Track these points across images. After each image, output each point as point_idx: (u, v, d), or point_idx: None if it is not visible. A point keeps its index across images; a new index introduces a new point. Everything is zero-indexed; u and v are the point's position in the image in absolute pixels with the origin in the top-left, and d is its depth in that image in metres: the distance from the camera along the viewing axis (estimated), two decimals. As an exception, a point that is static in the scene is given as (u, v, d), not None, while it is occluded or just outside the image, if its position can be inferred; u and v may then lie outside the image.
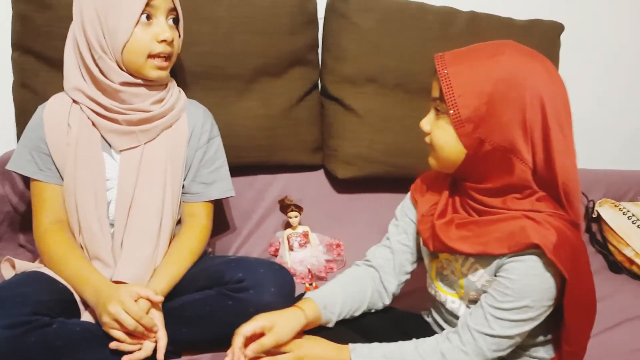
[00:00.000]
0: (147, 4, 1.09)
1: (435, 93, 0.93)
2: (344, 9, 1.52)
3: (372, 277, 1.11)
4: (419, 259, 1.13)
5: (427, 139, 0.97)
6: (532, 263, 0.89)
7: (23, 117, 1.30)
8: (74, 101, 1.15)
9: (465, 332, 0.93)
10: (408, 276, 1.13)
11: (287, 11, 1.46)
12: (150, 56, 1.11)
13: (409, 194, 1.15)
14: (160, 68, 1.13)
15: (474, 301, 0.98)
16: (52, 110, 1.16)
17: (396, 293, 1.12)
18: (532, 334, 0.97)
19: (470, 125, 0.89)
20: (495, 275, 0.93)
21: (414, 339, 0.97)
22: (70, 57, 1.16)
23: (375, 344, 0.97)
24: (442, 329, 1.07)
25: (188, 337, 1.08)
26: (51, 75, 1.32)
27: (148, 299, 1.01)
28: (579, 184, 0.92)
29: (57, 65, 1.31)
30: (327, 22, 1.57)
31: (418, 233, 1.06)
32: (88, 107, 1.13)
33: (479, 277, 0.96)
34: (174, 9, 1.15)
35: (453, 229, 0.96)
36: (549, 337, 1.00)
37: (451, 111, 0.89)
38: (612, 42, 1.96)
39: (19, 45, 1.33)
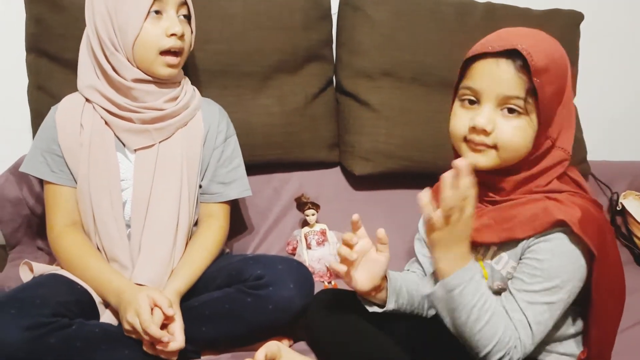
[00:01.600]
0: None
1: (511, 90, 0.87)
2: (358, 2, 1.50)
3: (418, 276, 1.13)
4: None
5: (486, 140, 0.90)
6: (559, 241, 0.87)
7: (39, 119, 1.30)
8: (87, 100, 1.15)
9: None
10: None
11: (301, 7, 1.45)
12: (162, 53, 1.11)
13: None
14: (171, 65, 1.12)
15: (498, 292, 0.96)
16: (65, 111, 1.16)
17: None
18: (561, 326, 0.94)
19: (549, 125, 0.89)
20: (520, 259, 0.91)
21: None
22: (84, 56, 1.16)
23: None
24: None
25: (208, 336, 1.07)
26: (66, 77, 1.32)
27: (161, 310, 1.00)
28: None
29: (71, 66, 1.31)
30: (341, 16, 1.55)
31: None
32: (101, 107, 1.13)
33: (504, 264, 0.94)
34: (185, 4, 1.14)
35: (474, 221, 0.93)
36: (578, 329, 0.98)
37: (543, 114, 0.87)
38: (632, 31, 1.92)
39: (33, 48, 1.33)
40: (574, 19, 1.68)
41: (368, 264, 0.97)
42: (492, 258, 0.96)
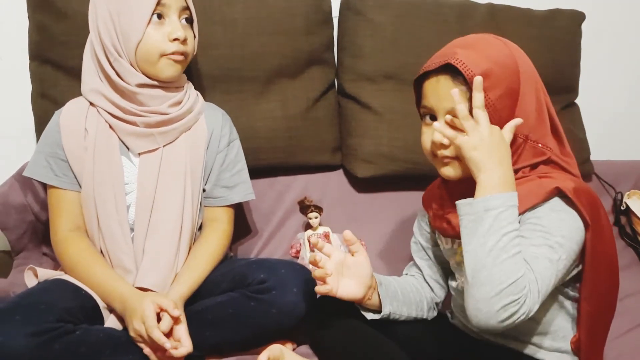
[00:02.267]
0: (158, 3, 1.09)
1: (450, 102, 0.88)
2: (359, 6, 1.50)
3: (417, 280, 1.14)
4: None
5: (446, 152, 0.93)
6: (554, 202, 0.89)
7: (43, 126, 1.31)
8: (91, 104, 1.15)
9: None
10: (446, 281, 1.14)
11: (302, 11, 1.45)
12: (164, 56, 1.11)
13: (421, 206, 1.14)
14: (175, 65, 1.12)
15: None
16: (69, 115, 1.16)
17: (441, 297, 1.14)
18: (555, 317, 0.95)
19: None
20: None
21: None
22: (87, 61, 1.16)
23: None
24: (460, 321, 1.07)
25: (212, 341, 1.07)
26: (70, 85, 1.33)
27: (167, 313, 1.01)
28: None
29: (75, 74, 1.32)
30: (342, 20, 1.55)
31: (435, 231, 1.05)
32: (105, 110, 1.14)
33: None
34: (187, 8, 1.14)
35: None
36: (572, 323, 0.97)
37: (492, 118, 0.88)
38: (634, 29, 1.91)
39: (37, 56, 1.34)
40: (576, 18, 1.68)
41: (351, 270, 0.98)
42: None
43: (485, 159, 0.85)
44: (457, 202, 0.88)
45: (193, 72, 1.35)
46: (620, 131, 1.94)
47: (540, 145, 0.93)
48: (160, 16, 1.10)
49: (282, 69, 1.46)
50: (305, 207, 1.44)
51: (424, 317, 1.10)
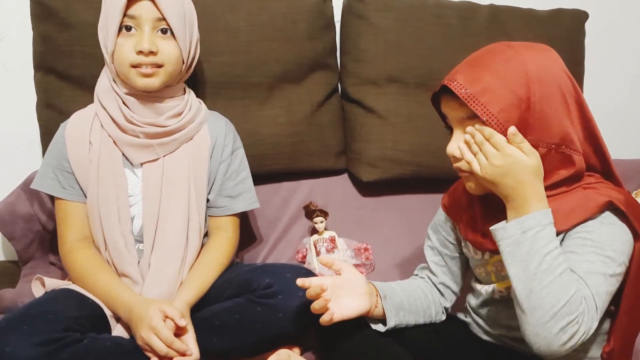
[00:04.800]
0: (125, 15, 1.08)
1: (461, 114, 0.89)
2: (361, 10, 1.50)
3: (426, 283, 1.13)
4: (464, 269, 1.12)
5: (460, 165, 0.92)
6: (604, 216, 0.88)
7: (48, 136, 1.32)
8: (97, 114, 1.16)
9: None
10: (458, 287, 1.13)
11: (304, 17, 1.46)
12: (133, 67, 1.11)
13: (440, 209, 1.13)
14: (145, 75, 1.11)
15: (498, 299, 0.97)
16: (74, 128, 1.17)
17: (452, 302, 1.13)
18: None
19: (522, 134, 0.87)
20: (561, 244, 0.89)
21: None
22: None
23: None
24: (482, 327, 1.05)
25: (219, 347, 1.07)
26: (74, 94, 1.34)
27: (173, 321, 1.01)
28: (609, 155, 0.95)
29: (80, 83, 1.33)
30: (344, 24, 1.56)
31: (467, 241, 1.04)
32: (110, 115, 1.14)
33: None
34: (162, 19, 1.11)
35: None
36: (603, 331, 0.95)
37: (497, 130, 0.86)
38: (638, 27, 1.90)
39: (41, 66, 1.35)
40: (579, 18, 1.67)
41: (345, 288, 0.97)
42: None
43: (502, 187, 0.84)
44: (490, 228, 0.87)
45: (196, 79, 1.35)
46: (626, 130, 1.93)
47: (573, 152, 0.90)
48: (129, 28, 1.10)
49: (286, 75, 1.46)
50: (310, 212, 1.44)
51: (432, 321, 1.09)
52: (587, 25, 1.69)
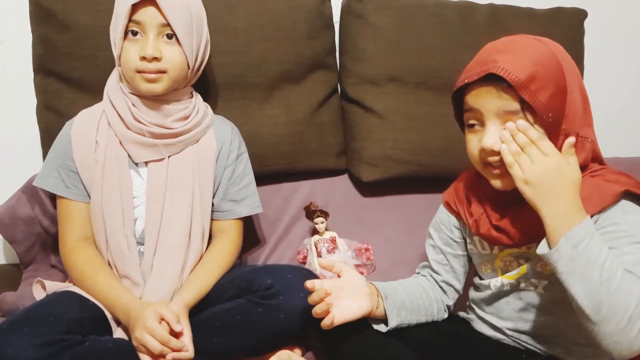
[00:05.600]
0: (130, 20, 1.09)
1: (502, 104, 0.87)
2: (360, 9, 1.50)
3: (428, 281, 1.12)
4: (467, 267, 1.12)
5: (496, 160, 0.90)
6: (623, 205, 0.87)
7: (48, 138, 1.32)
8: (106, 109, 1.16)
9: None
10: (461, 284, 1.13)
11: (303, 17, 1.46)
12: (138, 72, 1.11)
13: (441, 208, 1.12)
14: (149, 81, 1.11)
15: (538, 274, 0.95)
16: (80, 127, 1.17)
17: (454, 300, 1.13)
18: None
19: (560, 125, 0.86)
20: None
21: None
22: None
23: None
24: (488, 322, 1.05)
25: (220, 348, 1.07)
26: (74, 96, 1.34)
27: (169, 326, 1.00)
28: None
29: (79, 86, 1.33)
30: (343, 24, 1.56)
31: (478, 237, 1.03)
32: (117, 110, 1.14)
33: None
34: (167, 25, 1.10)
35: (528, 217, 0.89)
36: None
37: (545, 120, 0.85)
38: (638, 26, 1.90)
39: (41, 68, 1.35)
40: (578, 16, 1.67)
41: (345, 289, 0.97)
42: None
43: (540, 195, 0.83)
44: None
45: (197, 80, 1.35)
46: (626, 128, 1.93)
47: (589, 140, 0.91)
48: (135, 33, 1.10)
49: (285, 75, 1.46)
50: (311, 212, 1.44)
51: (434, 320, 1.09)
52: (586, 23, 1.69)
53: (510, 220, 0.94)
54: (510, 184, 0.89)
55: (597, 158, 0.95)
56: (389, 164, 1.52)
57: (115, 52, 1.12)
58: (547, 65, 0.87)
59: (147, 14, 1.09)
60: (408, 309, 1.04)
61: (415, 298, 1.07)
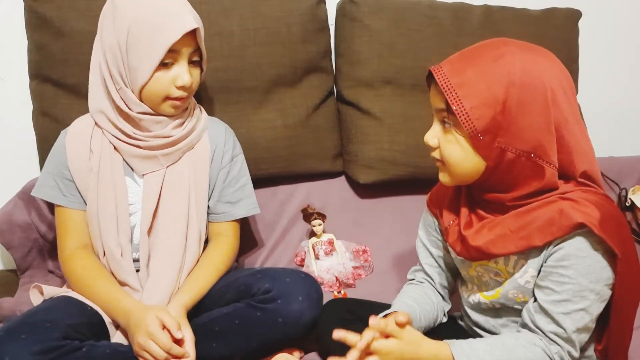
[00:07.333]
0: (169, 50, 1.06)
1: (439, 104, 0.89)
2: (355, 12, 1.51)
3: (429, 288, 1.11)
4: (456, 269, 1.11)
5: (435, 154, 0.93)
6: (579, 245, 0.86)
7: (45, 144, 1.32)
8: (97, 124, 1.16)
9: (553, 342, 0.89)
10: (452, 288, 1.13)
11: (298, 20, 1.46)
12: (168, 99, 1.11)
13: (426, 209, 1.12)
14: (176, 107, 1.13)
15: (510, 301, 0.95)
16: (74, 136, 1.17)
17: (450, 304, 1.13)
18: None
19: (488, 137, 0.85)
20: (541, 267, 0.89)
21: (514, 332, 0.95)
22: (94, 80, 1.14)
23: (473, 340, 0.93)
24: (475, 335, 1.05)
25: (218, 352, 1.07)
26: (70, 102, 1.34)
27: (169, 333, 1.00)
28: (598, 166, 0.92)
29: (75, 92, 1.33)
30: (338, 27, 1.56)
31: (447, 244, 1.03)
32: (110, 132, 1.14)
33: (523, 272, 0.92)
34: (197, 50, 1.12)
35: (486, 233, 0.91)
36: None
37: (465, 126, 0.85)
38: (632, 25, 1.91)
39: (36, 74, 1.35)
40: (572, 16, 1.68)
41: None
42: (514, 268, 0.93)
43: None
44: None
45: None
46: (622, 127, 1.93)
47: (545, 163, 0.87)
48: (170, 63, 1.09)
49: (281, 78, 1.46)
50: (308, 214, 1.44)
51: (435, 324, 1.09)
52: (581, 23, 1.69)
53: (475, 233, 0.93)
54: (446, 178, 0.94)
55: (591, 177, 0.91)
56: (385, 166, 1.52)
57: (139, 82, 1.08)
58: (488, 75, 0.85)
59: (184, 43, 1.08)
60: (423, 326, 1.04)
61: (427, 312, 1.05)
